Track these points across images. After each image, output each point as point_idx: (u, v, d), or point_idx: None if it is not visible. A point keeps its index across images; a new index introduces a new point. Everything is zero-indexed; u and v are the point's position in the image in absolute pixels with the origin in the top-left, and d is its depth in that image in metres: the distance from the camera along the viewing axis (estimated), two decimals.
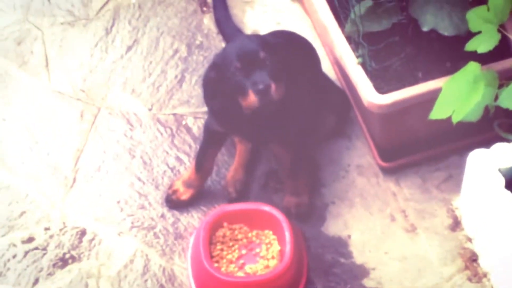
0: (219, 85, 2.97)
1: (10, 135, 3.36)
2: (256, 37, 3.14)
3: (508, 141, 2.88)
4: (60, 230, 3.08)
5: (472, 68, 2.56)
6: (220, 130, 3.06)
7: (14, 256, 3.03)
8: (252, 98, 2.83)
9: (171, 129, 3.29)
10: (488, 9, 2.63)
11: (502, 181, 2.84)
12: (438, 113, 2.60)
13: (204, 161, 3.08)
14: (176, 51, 3.44)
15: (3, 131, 3.38)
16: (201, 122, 3.29)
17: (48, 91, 3.41)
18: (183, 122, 3.30)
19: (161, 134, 3.29)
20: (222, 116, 3.03)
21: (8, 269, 3.02)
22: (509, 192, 2.84)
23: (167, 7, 3.58)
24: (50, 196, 3.19)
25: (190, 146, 3.24)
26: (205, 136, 3.08)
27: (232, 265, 2.94)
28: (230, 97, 2.94)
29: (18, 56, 3.53)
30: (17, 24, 3.64)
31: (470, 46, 2.64)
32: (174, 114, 3.33)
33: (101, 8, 3.57)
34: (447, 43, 2.98)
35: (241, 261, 2.95)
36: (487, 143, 2.90)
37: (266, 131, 3.03)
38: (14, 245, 3.05)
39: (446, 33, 2.90)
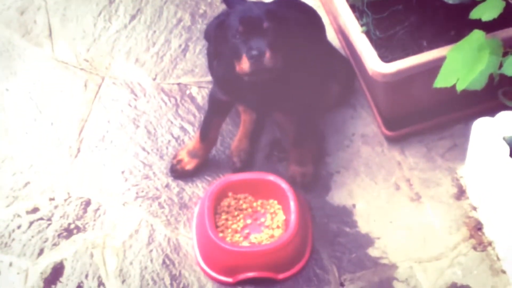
0: (220, 42, 2.98)
1: (14, 105, 3.39)
2: (264, 5, 3.11)
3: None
4: (65, 200, 3.10)
5: (477, 36, 2.57)
6: (224, 99, 3.07)
7: (19, 227, 3.06)
8: (244, 63, 2.85)
9: (175, 99, 3.31)
10: None
11: (507, 149, 2.85)
12: (442, 81, 2.61)
13: (208, 130, 3.10)
14: (179, 20, 3.46)
15: (7, 101, 3.41)
16: (205, 92, 3.32)
17: (52, 61, 3.43)
18: (187, 92, 3.31)
19: (165, 103, 3.31)
20: (226, 83, 3.05)
21: (13, 239, 3.04)
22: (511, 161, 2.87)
23: None
24: (54, 167, 3.21)
25: (194, 116, 3.26)
26: (209, 106, 3.10)
27: (237, 235, 2.96)
28: (230, 60, 2.95)
29: (21, 26, 3.58)
30: None
31: (475, 14, 2.63)
32: (178, 84, 3.35)
33: None
34: (452, 11, 2.95)
35: (246, 231, 2.98)
36: (491, 112, 2.91)
37: (270, 99, 3.05)
38: (19, 216, 3.08)
39: (450, 1, 2.87)
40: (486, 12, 2.61)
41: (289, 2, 3.27)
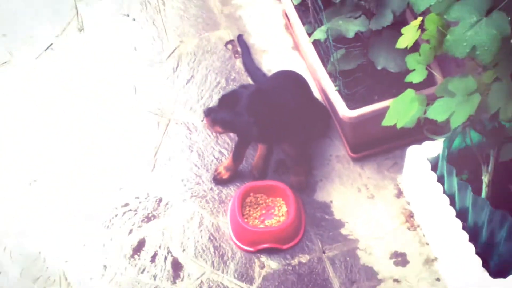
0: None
1: (113, 140, 3.35)
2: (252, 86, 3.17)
3: (433, 140, 2.90)
4: (145, 198, 3.15)
5: (409, 93, 2.61)
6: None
7: (116, 215, 3.12)
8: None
9: (215, 135, 3.31)
10: (420, 55, 2.65)
11: (428, 165, 2.94)
12: (388, 121, 2.62)
13: (238, 155, 3.13)
14: (218, 83, 3.43)
15: (111, 139, 3.36)
16: None
17: (139, 110, 3.41)
18: (223, 132, 3.16)
19: (209, 136, 3.29)
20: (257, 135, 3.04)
21: (113, 224, 3.11)
22: (433, 173, 2.93)
23: (212, 54, 3.52)
24: (139, 177, 3.23)
25: (228, 144, 3.26)
26: (239, 140, 3.13)
27: (256, 221, 3.03)
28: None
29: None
30: None
31: (408, 78, 2.66)
32: None
33: (170, 55, 3.53)
34: (393, 76, 3.00)
35: (262, 218, 3.05)
36: (419, 141, 2.97)
37: (277, 137, 3.08)
38: (116, 208, 3.14)
39: (393, 70, 2.96)
40: (415, 77, 2.62)
41: (286, 72, 3.28)
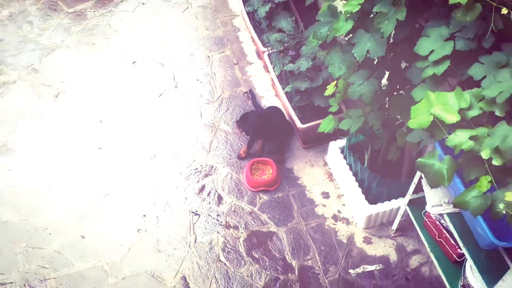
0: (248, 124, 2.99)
1: (188, 138, 3.20)
2: (257, 113, 3.11)
3: (342, 139, 2.97)
4: (205, 166, 3.13)
5: (330, 116, 2.54)
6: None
7: (191, 173, 3.06)
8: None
9: (238, 135, 3.25)
10: (335, 98, 2.46)
11: (339, 151, 2.97)
12: (321, 129, 2.54)
13: (250, 145, 3.11)
14: (239, 111, 3.34)
15: (187, 137, 3.22)
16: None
17: (200, 124, 3.32)
18: (243, 133, 3.16)
19: (239, 137, 3.28)
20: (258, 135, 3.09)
21: (189, 177, 3.06)
22: (341, 154, 2.94)
23: (237, 98, 3.44)
24: (202, 155, 3.17)
25: (244, 142, 3.22)
26: (250, 138, 3.10)
27: (257, 177, 3.05)
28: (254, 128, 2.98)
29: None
30: None
31: (330, 109, 2.52)
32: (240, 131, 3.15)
33: (217, 98, 3.45)
34: (323, 108, 2.98)
35: (260, 175, 3.07)
36: (335, 139, 3.02)
37: (268, 137, 3.10)
38: (191, 170, 3.07)
39: (323, 106, 2.97)
40: (333, 109, 2.52)
41: (273, 107, 3.22)
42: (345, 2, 1.98)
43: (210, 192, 3.02)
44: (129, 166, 3.05)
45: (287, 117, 3.22)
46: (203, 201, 2.98)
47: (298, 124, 3.06)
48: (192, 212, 2.90)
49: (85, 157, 3.07)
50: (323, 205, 2.97)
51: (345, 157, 2.92)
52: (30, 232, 2.79)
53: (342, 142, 2.96)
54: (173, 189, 3.03)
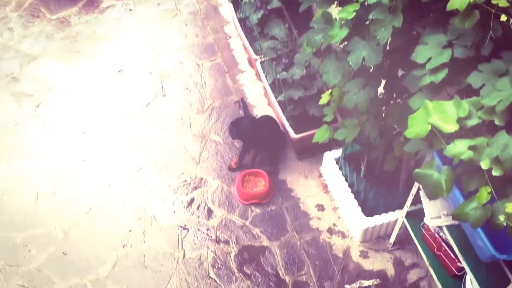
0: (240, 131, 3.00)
1: (176, 150, 3.21)
2: (252, 119, 3.15)
3: (337, 149, 2.96)
4: (194, 178, 3.11)
5: (325, 126, 2.54)
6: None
7: (180, 186, 3.06)
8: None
9: (229, 145, 3.24)
10: (330, 107, 2.49)
11: (334, 162, 2.96)
12: (315, 139, 2.54)
13: (241, 156, 3.11)
14: (230, 121, 3.24)
15: (174, 150, 3.20)
16: (239, 144, 3.20)
17: (190, 135, 3.30)
18: (234, 143, 3.22)
19: (230, 147, 3.26)
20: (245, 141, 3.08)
21: (178, 190, 3.04)
22: (337, 165, 2.93)
23: (228, 107, 3.43)
24: (191, 168, 3.15)
25: (237, 151, 3.21)
26: (243, 148, 3.10)
27: (249, 189, 3.04)
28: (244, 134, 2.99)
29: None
30: None
31: (325, 119, 2.54)
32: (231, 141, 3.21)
33: (207, 107, 3.44)
34: (318, 118, 2.91)
35: (252, 187, 3.06)
36: (330, 149, 2.99)
37: (260, 146, 3.10)
38: (180, 182, 3.07)
39: (317, 115, 2.95)
40: (328, 118, 2.54)
41: (267, 116, 3.22)
42: (340, 8, 1.99)
43: (199, 205, 3.01)
44: (114, 179, 3.05)
45: (280, 127, 3.19)
46: (192, 214, 2.97)
47: (292, 134, 3.05)
48: (180, 226, 2.90)
49: (67, 169, 3.07)
50: (317, 218, 2.96)
51: (340, 168, 2.91)
52: (9, 249, 2.79)
53: (338, 152, 2.95)
54: (161, 202, 3.01)
